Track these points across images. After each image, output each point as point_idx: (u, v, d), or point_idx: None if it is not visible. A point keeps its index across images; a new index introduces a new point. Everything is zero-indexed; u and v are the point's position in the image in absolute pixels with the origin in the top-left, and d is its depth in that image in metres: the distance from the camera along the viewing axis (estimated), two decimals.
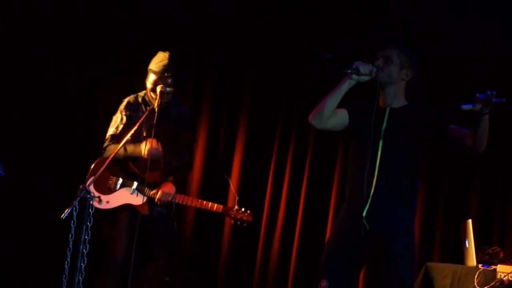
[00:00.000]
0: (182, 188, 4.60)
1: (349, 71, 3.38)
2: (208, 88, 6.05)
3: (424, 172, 5.18)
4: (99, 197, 4.23)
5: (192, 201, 4.47)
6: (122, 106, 4.51)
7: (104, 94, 5.65)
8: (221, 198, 5.41)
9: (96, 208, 3.82)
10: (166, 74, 4.40)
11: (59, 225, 3.65)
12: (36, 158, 5.65)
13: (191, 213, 5.82)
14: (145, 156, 4.27)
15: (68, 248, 3.56)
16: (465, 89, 5.46)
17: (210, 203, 4.44)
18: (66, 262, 3.57)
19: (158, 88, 4.34)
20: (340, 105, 3.49)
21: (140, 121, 4.23)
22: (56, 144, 5.64)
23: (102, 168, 3.87)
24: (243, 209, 4.46)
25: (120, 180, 4.38)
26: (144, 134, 4.37)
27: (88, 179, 4.34)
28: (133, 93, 4.57)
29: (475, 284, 4.27)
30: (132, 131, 4.17)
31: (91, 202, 3.59)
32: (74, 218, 3.53)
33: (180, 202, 4.41)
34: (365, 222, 3.37)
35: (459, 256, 4.81)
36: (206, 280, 5.83)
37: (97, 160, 4.45)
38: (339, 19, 5.67)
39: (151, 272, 4.40)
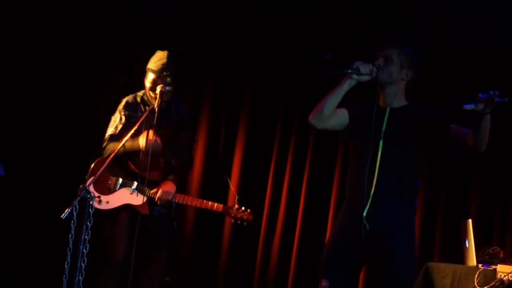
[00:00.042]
0: (182, 188, 4.60)
1: (349, 71, 3.38)
2: (208, 88, 6.05)
3: (424, 172, 5.19)
4: (99, 197, 4.24)
5: (192, 201, 4.47)
6: (120, 106, 4.51)
7: (104, 94, 5.65)
8: (221, 198, 5.40)
9: (96, 208, 3.82)
10: (165, 73, 4.39)
11: (59, 225, 3.65)
12: (36, 158, 5.65)
13: (191, 213, 5.82)
14: (143, 148, 4.25)
15: (68, 248, 3.55)
16: (465, 89, 5.47)
17: (210, 203, 4.44)
18: (66, 262, 3.57)
19: (158, 88, 4.34)
20: (340, 105, 3.49)
21: (140, 121, 4.23)
22: (56, 144, 5.64)
23: (102, 168, 3.86)
24: (243, 208, 4.45)
25: (120, 180, 4.38)
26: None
27: (88, 179, 4.34)
28: (133, 93, 4.57)
29: (475, 284, 4.27)
30: (132, 131, 4.17)
31: (91, 202, 3.58)
32: (74, 218, 3.53)
33: (180, 201, 4.41)
34: (365, 222, 3.37)
35: (459, 256, 4.80)
36: (206, 280, 5.83)
37: (96, 160, 4.45)
38: (339, 19, 5.67)
39: (151, 272, 4.40)
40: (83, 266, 3.54)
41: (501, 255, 4.71)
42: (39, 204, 5.50)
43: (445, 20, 5.33)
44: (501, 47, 5.47)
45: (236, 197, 4.58)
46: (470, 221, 4.66)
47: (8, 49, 5.63)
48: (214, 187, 5.75)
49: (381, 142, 3.43)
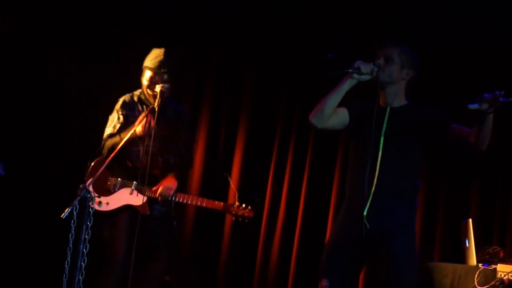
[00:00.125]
0: (182, 188, 4.59)
1: (350, 70, 3.38)
2: (208, 88, 6.05)
3: (424, 172, 5.17)
4: (99, 196, 4.24)
5: (193, 199, 4.46)
6: (118, 106, 4.50)
7: (104, 94, 5.63)
8: (221, 198, 5.35)
9: (97, 210, 3.81)
10: (162, 70, 4.38)
11: (59, 224, 3.64)
12: (36, 158, 5.65)
13: (191, 212, 5.82)
14: (140, 134, 4.23)
15: (68, 248, 3.55)
16: (465, 89, 5.47)
17: (210, 201, 4.45)
18: (66, 261, 3.57)
19: (158, 88, 4.33)
20: (340, 105, 3.50)
21: (140, 120, 4.22)
22: (56, 144, 5.64)
23: (102, 168, 3.85)
24: (243, 205, 4.46)
25: (119, 181, 4.37)
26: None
27: (87, 179, 4.33)
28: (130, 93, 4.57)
29: (475, 283, 4.27)
30: (132, 131, 4.16)
31: (91, 202, 3.58)
32: (74, 218, 3.53)
33: (181, 200, 4.41)
34: (365, 222, 3.37)
35: (459, 256, 4.81)
36: (206, 279, 5.83)
37: (95, 160, 4.44)
38: (339, 19, 5.67)
39: (151, 272, 4.39)
40: (83, 265, 3.53)
41: (501, 254, 4.71)
42: (39, 204, 5.50)
43: (445, 20, 5.33)
44: (501, 47, 5.47)
45: (237, 195, 4.58)
46: (470, 220, 4.66)
47: (8, 49, 5.62)
48: (214, 187, 5.75)
49: (381, 142, 3.44)
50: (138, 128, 4.26)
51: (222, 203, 4.47)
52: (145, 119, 4.26)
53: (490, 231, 5.46)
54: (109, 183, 4.37)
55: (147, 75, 4.42)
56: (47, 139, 5.66)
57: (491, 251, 4.72)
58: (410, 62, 3.53)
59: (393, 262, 3.34)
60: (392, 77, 3.49)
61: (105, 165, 3.86)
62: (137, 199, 4.32)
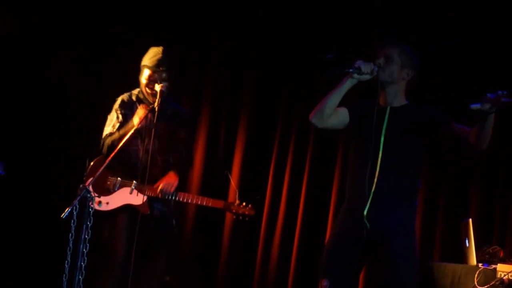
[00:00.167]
0: (182, 188, 4.59)
1: (350, 70, 3.38)
2: (208, 88, 6.05)
3: (424, 172, 5.18)
4: (99, 196, 4.24)
5: (193, 198, 4.46)
6: (116, 105, 4.49)
7: (104, 94, 5.63)
8: (222, 198, 5.36)
9: (96, 209, 3.81)
10: (161, 69, 4.37)
11: (59, 224, 3.64)
12: (36, 158, 5.65)
13: (191, 212, 5.82)
14: (137, 126, 4.23)
15: (68, 248, 3.55)
16: (465, 89, 5.48)
17: (211, 200, 4.44)
18: (66, 261, 3.57)
19: (158, 88, 4.32)
20: (340, 104, 3.49)
21: (140, 120, 4.21)
22: (56, 144, 5.64)
23: (102, 167, 3.85)
24: (244, 204, 4.46)
25: (119, 180, 4.37)
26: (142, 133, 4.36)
27: (87, 178, 4.33)
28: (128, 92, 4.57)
29: (475, 283, 4.27)
30: (132, 130, 4.16)
31: (90, 202, 3.58)
32: (74, 218, 3.52)
33: (181, 199, 4.41)
34: (366, 221, 3.37)
35: (459, 256, 4.81)
36: (206, 279, 5.83)
37: (95, 159, 4.44)
38: (339, 19, 5.67)
39: (151, 272, 4.39)
40: (83, 265, 3.53)
41: (501, 254, 4.71)
42: (39, 204, 5.50)
43: (445, 20, 5.33)
44: (501, 47, 5.47)
45: (237, 193, 4.58)
46: (470, 220, 4.66)
47: (8, 49, 5.62)
48: (214, 187, 5.75)
49: (381, 141, 3.44)
50: (135, 119, 4.26)
51: (222, 202, 4.47)
52: (143, 111, 4.25)
53: (490, 231, 5.46)
54: (108, 182, 4.36)
55: (145, 73, 4.42)
56: (47, 139, 5.66)
57: (491, 251, 4.72)
58: (410, 62, 3.53)
59: (393, 262, 3.34)
60: (392, 77, 3.49)
61: (105, 164, 3.86)
62: (137, 199, 4.31)
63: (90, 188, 3.64)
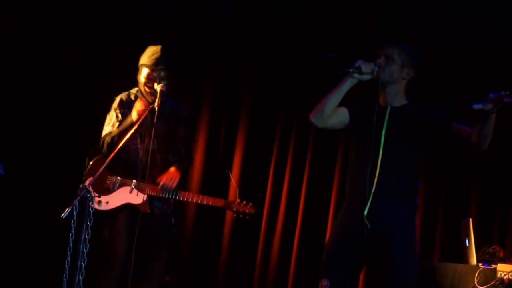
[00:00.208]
0: (182, 187, 4.59)
1: (351, 70, 3.38)
2: (208, 88, 6.05)
3: (424, 172, 5.18)
4: (99, 196, 4.23)
5: (193, 197, 4.45)
6: (115, 104, 4.49)
7: (104, 94, 5.62)
8: (222, 198, 5.40)
9: (96, 209, 3.81)
10: (160, 67, 4.36)
11: (59, 224, 3.64)
12: (36, 158, 5.65)
13: (191, 212, 5.82)
14: (135, 119, 4.23)
15: (68, 248, 3.54)
16: (465, 89, 5.48)
17: (211, 198, 4.44)
18: (66, 261, 3.56)
19: (159, 88, 4.31)
20: (340, 104, 3.50)
21: (140, 120, 4.20)
22: (56, 144, 5.64)
23: (103, 167, 3.83)
24: (244, 202, 4.45)
25: (119, 179, 4.36)
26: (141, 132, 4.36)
27: (86, 178, 4.33)
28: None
29: (475, 283, 4.27)
30: (132, 130, 4.15)
31: (90, 202, 3.58)
32: (74, 218, 3.52)
33: (181, 198, 4.40)
34: (366, 221, 3.37)
35: (459, 256, 4.81)
36: (206, 279, 5.83)
37: (94, 158, 4.43)
38: (339, 19, 5.67)
39: (151, 272, 4.38)
40: (83, 265, 3.53)
41: (501, 254, 4.71)
42: (39, 204, 5.49)
43: (445, 20, 5.33)
44: (501, 47, 5.47)
45: (237, 191, 4.58)
46: (470, 220, 4.66)
47: (8, 49, 5.62)
48: (214, 187, 5.75)
49: (382, 141, 3.44)
50: (134, 114, 4.26)
51: (223, 200, 4.47)
52: (141, 105, 4.25)
53: (490, 231, 5.46)
54: (108, 182, 4.35)
55: (144, 72, 4.40)
56: (47, 139, 5.66)
57: (491, 250, 4.72)
58: (411, 61, 3.53)
59: (393, 262, 3.34)
60: (392, 76, 3.49)
61: (105, 164, 3.84)
62: (137, 198, 4.31)
63: (90, 188, 3.64)
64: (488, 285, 4.21)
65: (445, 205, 5.67)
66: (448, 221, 5.59)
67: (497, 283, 4.18)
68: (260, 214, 5.80)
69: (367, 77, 3.40)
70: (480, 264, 4.43)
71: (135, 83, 4.55)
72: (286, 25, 5.88)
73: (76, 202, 3.52)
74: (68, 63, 5.71)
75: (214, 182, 5.81)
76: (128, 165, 4.35)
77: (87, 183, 4.01)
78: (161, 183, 4.30)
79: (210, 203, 4.44)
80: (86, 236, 3.54)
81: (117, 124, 4.41)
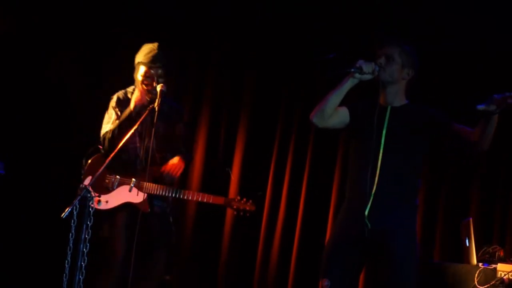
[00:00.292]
0: (182, 186, 4.59)
1: (352, 70, 3.38)
2: (208, 88, 6.05)
3: (424, 172, 5.18)
4: (99, 196, 4.23)
5: (193, 195, 4.45)
6: (113, 103, 4.48)
7: (104, 94, 5.63)
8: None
9: (96, 208, 3.81)
10: (157, 64, 4.36)
11: (60, 224, 3.64)
12: (36, 158, 5.65)
13: (191, 212, 5.82)
14: (134, 108, 4.21)
15: (68, 247, 3.55)
16: (465, 89, 5.48)
17: (212, 196, 4.44)
18: (66, 261, 3.57)
19: (159, 88, 4.30)
20: (340, 104, 3.49)
21: (140, 120, 4.20)
22: (56, 144, 5.64)
23: (103, 167, 3.83)
24: (245, 199, 4.45)
25: (118, 178, 4.36)
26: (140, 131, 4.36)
27: (85, 177, 4.32)
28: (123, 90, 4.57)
29: (476, 283, 4.27)
30: (132, 130, 4.15)
31: (90, 202, 3.58)
32: (74, 217, 3.52)
33: (182, 196, 4.40)
34: (367, 221, 3.37)
35: (459, 256, 4.81)
36: (206, 279, 5.83)
37: (93, 158, 4.43)
38: (339, 19, 5.67)
39: (151, 272, 4.38)
40: (83, 265, 3.53)
41: (501, 254, 4.71)
42: (39, 204, 5.49)
43: (445, 20, 5.33)
44: (501, 47, 5.47)
45: (237, 188, 4.58)
46: (470, 220, 4.66)
47: (8, 49, 5.62)
48: (214, 187, 5.74)
49: (382, 141, 3.44)
50: (131, 104, 4.25)
51: (223, 198, 4.47)
52: (138, 93, 4.25)
53: (490, 231, 5.46)
54: (107, 181, 4.35)
55: (141, 70, 4.39)
56: (47, 139, 5.66)
57: (491, 250, 4.72)
58: (411, 61, 3.53)
59: (394, 262, 3.34)
60: (393, 76, 3.49)
61: (105, 164, 3.83)
62: (137, 197, 4.31)
63: (90, 188, 3.64)
64: (488, 285, 4.21)
65: (445, 205, 5.67)
66: (448, 221, 5.59)
67: (497, 283, 4.18)
68: (260, 214, 5.80)
69: (368, 77, 3.40)
70: (480, 264, 4.43)
71: (134, 82, 4.55)
72: (286, 25, 5.88)
73: (76, 202, 3.53)
74: (68, 63, 5.71)
75: (214, 182, 5.81)
76: (127, 164, 4.35)
77: (86, 182, 4.01)
78: (166, 170, 4.29)
79: (211, 201, 4.44)
80: (86, 236, 3.54)
81: (116, 122, 4.40)
